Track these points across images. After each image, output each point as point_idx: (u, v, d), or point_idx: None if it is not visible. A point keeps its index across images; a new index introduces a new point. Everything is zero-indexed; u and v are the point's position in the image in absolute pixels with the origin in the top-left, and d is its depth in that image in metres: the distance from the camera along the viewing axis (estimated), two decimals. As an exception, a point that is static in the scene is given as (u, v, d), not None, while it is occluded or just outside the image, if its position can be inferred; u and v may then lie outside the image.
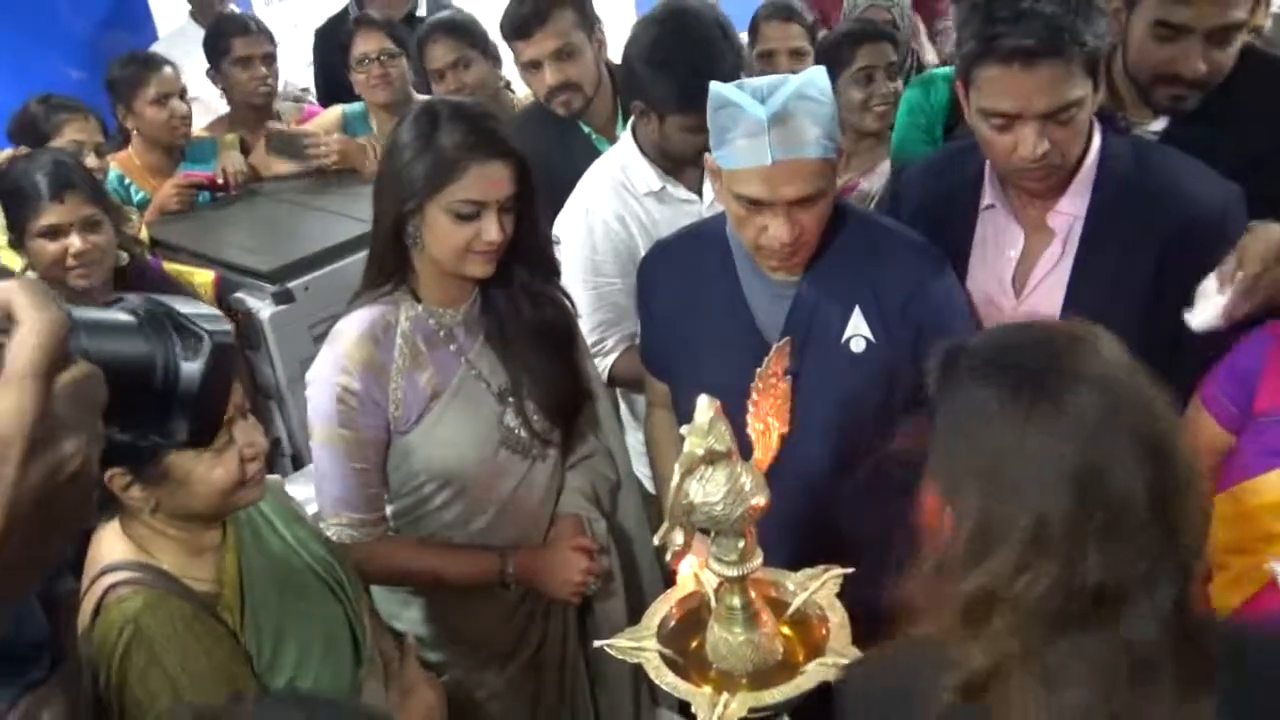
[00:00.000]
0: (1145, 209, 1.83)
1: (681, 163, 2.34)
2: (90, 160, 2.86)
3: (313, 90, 4.21)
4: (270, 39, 3.58)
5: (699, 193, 2.37)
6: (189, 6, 4.24)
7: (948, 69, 2.74)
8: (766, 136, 1.69)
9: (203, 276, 2.75)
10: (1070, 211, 1.87)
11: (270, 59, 3.54)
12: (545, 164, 2.19)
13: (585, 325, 2.23)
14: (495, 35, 3.05)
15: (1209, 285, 1.72)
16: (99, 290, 2.34)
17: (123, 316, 0.68)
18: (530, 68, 2.71)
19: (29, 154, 2.61)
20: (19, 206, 2.38)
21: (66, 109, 2.97)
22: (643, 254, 2.21)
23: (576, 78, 2.67)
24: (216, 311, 0.72)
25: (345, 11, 4.10)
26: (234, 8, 4.14)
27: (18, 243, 2.42)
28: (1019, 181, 1.89)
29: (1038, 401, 1.08)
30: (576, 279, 2.31)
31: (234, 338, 0.71)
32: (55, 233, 2.34)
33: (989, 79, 1.76)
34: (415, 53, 3.27)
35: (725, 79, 1.81)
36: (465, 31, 3.20)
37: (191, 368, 0.68)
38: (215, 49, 3.52)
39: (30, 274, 2.39)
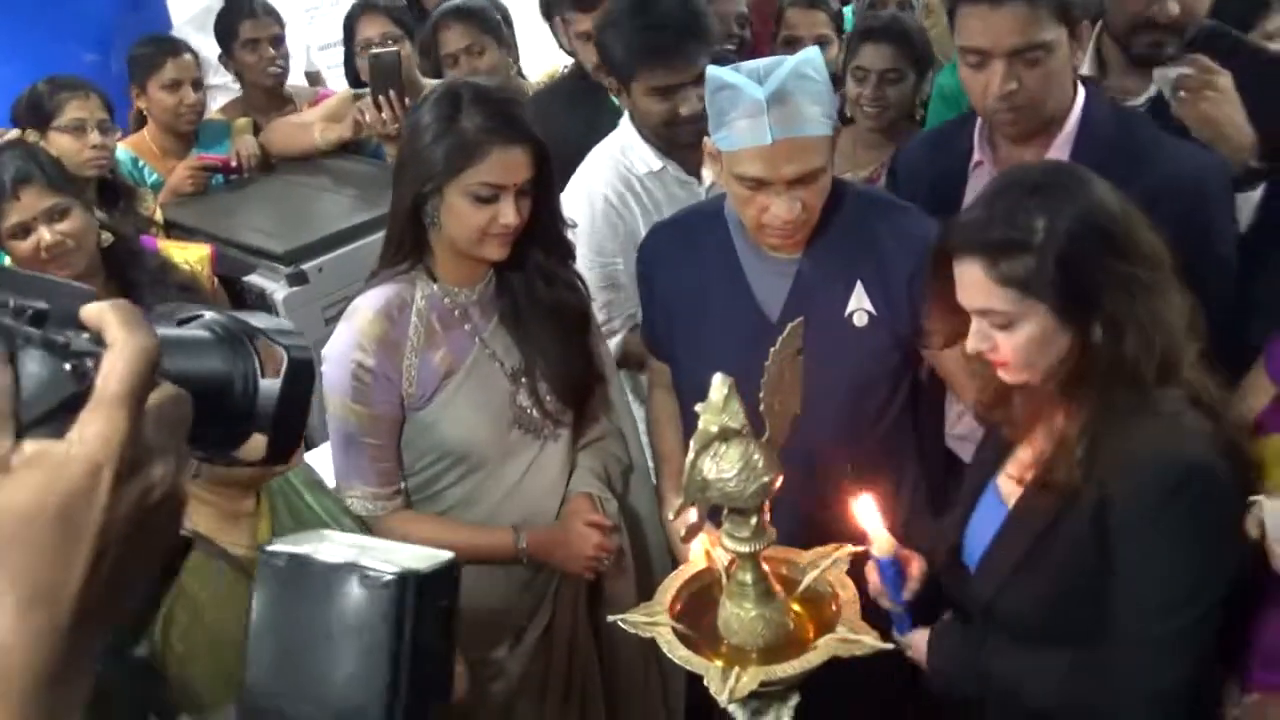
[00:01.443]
0: (1127, 168, 1.87)
1: (670, 142, 2.38)
2: (94, 137, 2.84)
3: (322, 74, 4.21)
4: (277, 20, 3.58)
5: (697, 176, 2.41)
6: None
7: None
8: (765, 116, 1.72)
9: (199, 252, 2.73)
10: None
11: (278, 40, 3.54)
12: (574, 140, 2.23)
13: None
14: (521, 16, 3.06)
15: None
16: (85, 275, 2.27)
17: (201, 333, 0.67)
18: (586, 39, 2.78)
19: None
20: None
21: (68, 87, 2.94)
22: (643, 234, 2.24)
23: None
24: (293, 327, 0.70)
25: None
26: None
27: None
28: (996, 125, 1.99)
29: None
30: (581, 260, 2.33)
31: (311, 352, 0.68)
32: (23, 230, 2.25)
33: (964, 16, 1.94)
34: (429, 37, 3.28)
35: (683, 34, 1.87)
36: (479, 17, 3.23)
37: (270, 384, 0.66)
38: (224, 33, 3.53)
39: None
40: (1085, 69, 2.18)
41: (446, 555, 0.71)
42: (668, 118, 2.33)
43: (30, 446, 0.56)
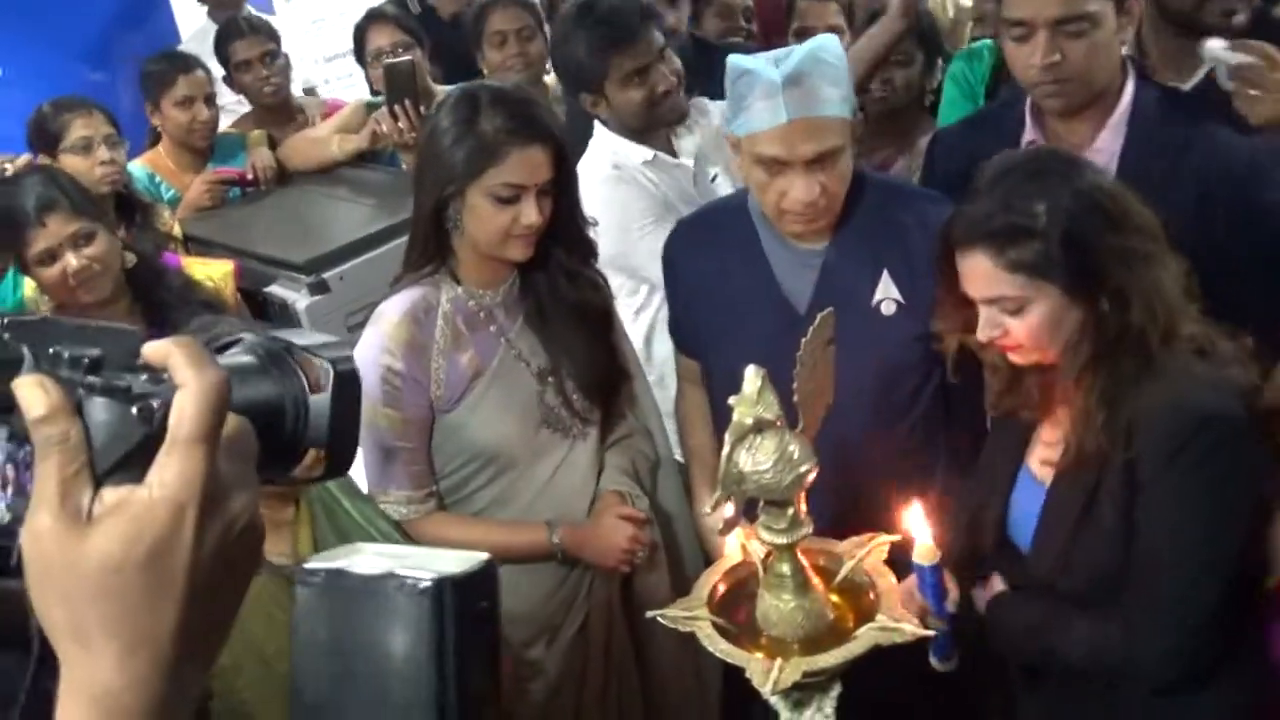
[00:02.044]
0: (1179, 150, 1.89)
1: (650, 130, 2.44)
2: (101, 153, 2.85)
3: (318, 88, 4.22)
4: (270, 35, 3.60)
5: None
6: (206, 6, 4.25)
7: (991, 41, 2.79)
8: (781, 96, 1.74)
9: (222, 268, 2.74)
10: (1107, 149, 1.91)
11: (271, 56, 3.55)
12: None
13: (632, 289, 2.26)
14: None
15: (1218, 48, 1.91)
16: (112, 298, 2.29)
17: (246, 358, 0.66)
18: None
19: (12, 178, 2.52)
20: (11, 236, 2.28)
21: (71, 107, 2.94)
22: (658, 199, 2.32)
23: (675, 23, 2.93)
24: (335, 338, 0.70)
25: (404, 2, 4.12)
26: (250, 8, 4.15)
27: (24, 269, 2.36)
28: (1041, 100, 1.96)
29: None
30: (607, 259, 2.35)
31: (355, 363, 0.68)
32: (50, 256, 2.24)
33: None
34: (471, 25, 3.35)
35: (635, 16, 2.13)
36: (531, 6, 3.35)
37: (319, 400, 0.66)
38: (223, 57, 3.55)
39: (44, 299, 2.36)
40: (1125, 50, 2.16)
41: (482, 557, 0.71)
42: (649, 99, 2.40)
43: (111, 494, 0.56)
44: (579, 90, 2.50)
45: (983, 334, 1.59)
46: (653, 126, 2.46)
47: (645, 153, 2.45)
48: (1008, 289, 1.53)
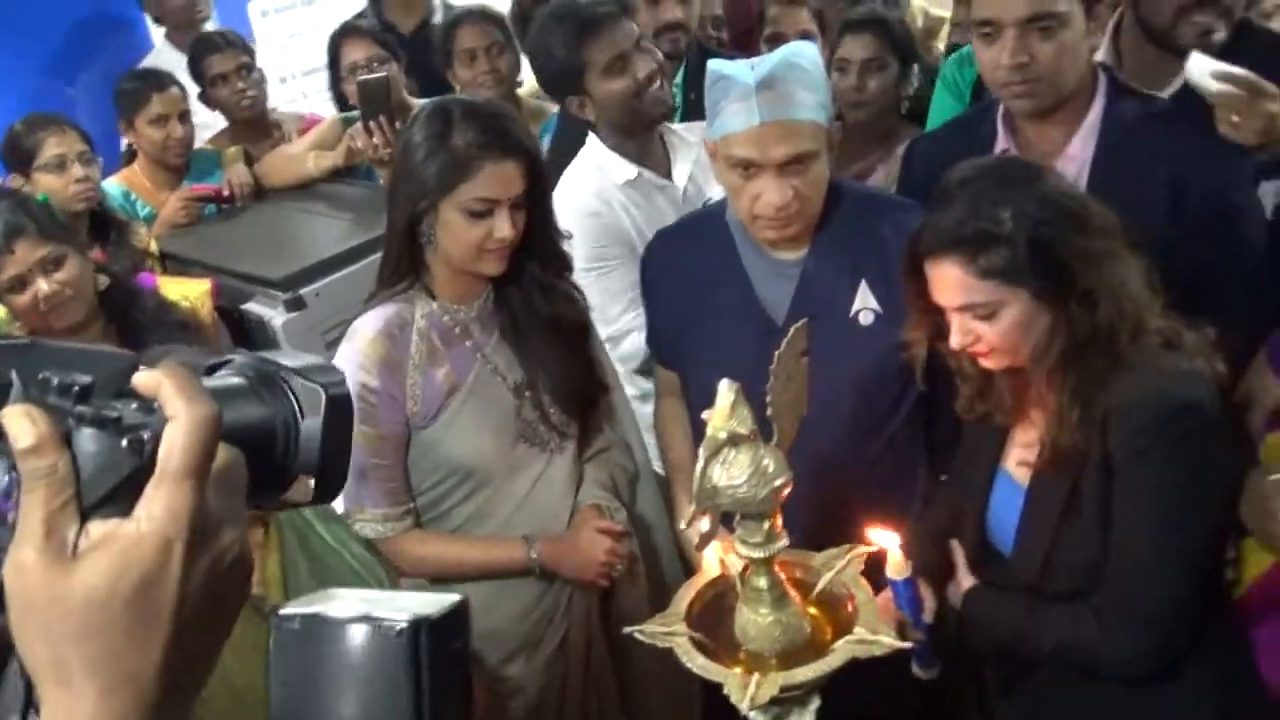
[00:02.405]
0: (1151, 156, 1.90)
1: (641, 130, 2.43)
2: (76, 170, 2.83)
3: (296, 102, 4.20)
4: (244, 49, 3.58)
5: (670, 178, 2.45)
6: (163, 28, 4.21)
7: None
8: (754, 99, 1.76)
9: (198, 287, 2.71)
10: (1079, 156, 1.92)
11: (246, 69, 3.53)
12: None
13: (611, 312, 2.24)
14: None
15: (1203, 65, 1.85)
16: (86, 321, 2.25)
17: (235, 381, 0.65)
18: (651, 3, 2.92)
19: None
20: None
21: (44, 125, 2.93)
22: (629, 234, 2.28)
23: (685, 19, 2.95)
24: (326, 362, 0.69)
25: (363, 15, 4.10)
26: (213, 25, 4.13)
27: None
28: (1010, 101, 1.97)
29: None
30: (581, 274, 2.34)
31: (348, 386, 0.67)
32: (19, 283, 2.20)
33: None
34: (440, 44, 3.35)
35: (610, 6, 2.13)
36: (498, 20, 3.34)
37: (310, 425, 0.65)
38: (197, 73, 3.53)
39: (17, 325, 2.32)
40: (1101, 57, 2.16)
41: (455, 597, 0.71)
42: (632, 89, 2.37)
43: (97, 528, 0.55)
44: (563, 92, 2.49)
45: (955, 341, 1.60)
46: (641, 121, 2.43)
47: (629, 171, 2.42)
48: (979, 296, 1.55)
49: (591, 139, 2.50)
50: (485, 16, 3.34)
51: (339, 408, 0.66)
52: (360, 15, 4.03)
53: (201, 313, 2.61)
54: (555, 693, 2.10)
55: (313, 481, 0.66)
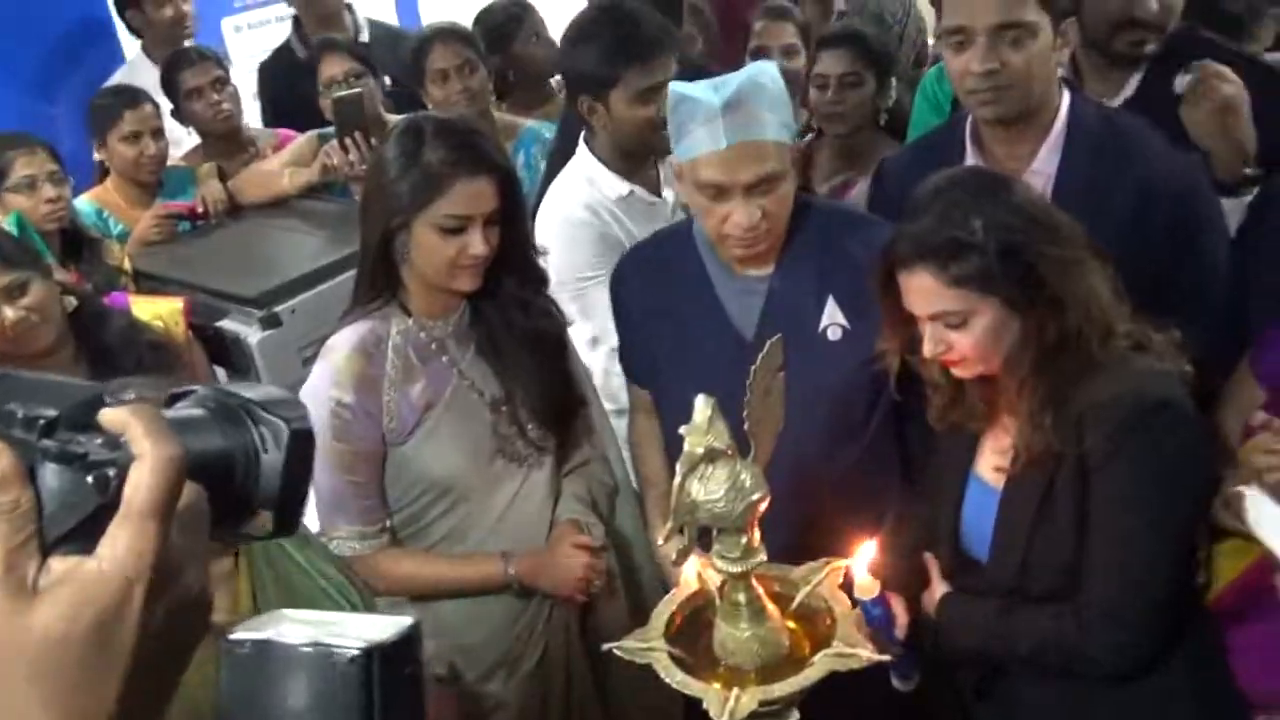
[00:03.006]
0: (1115, 168, 1.92)
1: (640, 156, 2.40)
2: (46, 190, 2.81)
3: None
4: (217, 64, 3.56)
5: (659, 194, 2.44)
6: (140, 41, 4.20)
7: None
8: (720, 121, 1.75)
9: (170, 306, 2.68)
10: (1045, 170, 1.94)
11: (221, 83, 3.51)
12: None
13: (611, 323, 2.21)
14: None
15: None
16: (56, 346, 2.21)
17: (196, 412, 0.64)
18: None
19: None
20: None
21: (13, 145, 2.89)
22: (621, 243, 2.27)
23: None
24: (290, 395, 0.68)
25: (287, 44, 4.12)
26: (191, 42, 4.12)
27: None
28: (977, 109, 1.99)
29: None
30: (576, 283, 2.33)
31: (311, 421, 0.66)
32: None
33: None
34: (413, 66, 3.32)
35: (658, 34, 2.07)
36: (469, 38, 3.31)
37: (271, 459, 0.64)
38: (170, 89, 3.50)
39: None
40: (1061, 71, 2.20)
41: (407, 621, 0.70)
42: (654, 121, 2.28)
43: (58, 565, 0.54)
44: (581, 92, 2.42)
45: (927, 350, 1.61)
46: (650, 150, 2.40)
47: (622, 187, 2.40)
48: (951, 304, 1.56)
49: (583, 150, 2.46)
50: (457, 35, 3.31)
51: (301, 442, 0.65)
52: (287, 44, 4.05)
53: (174, 332, 2.59)
54: (535, 710, 2.09)
55: (270, 515, 0.66)
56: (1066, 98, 1.99)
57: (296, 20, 4.13)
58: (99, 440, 0.56)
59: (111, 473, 0.55)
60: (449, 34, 3.31)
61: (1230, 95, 2.05)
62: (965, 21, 1.90)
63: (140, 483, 0.55)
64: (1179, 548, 1.59)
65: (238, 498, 0.64)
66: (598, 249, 2.36)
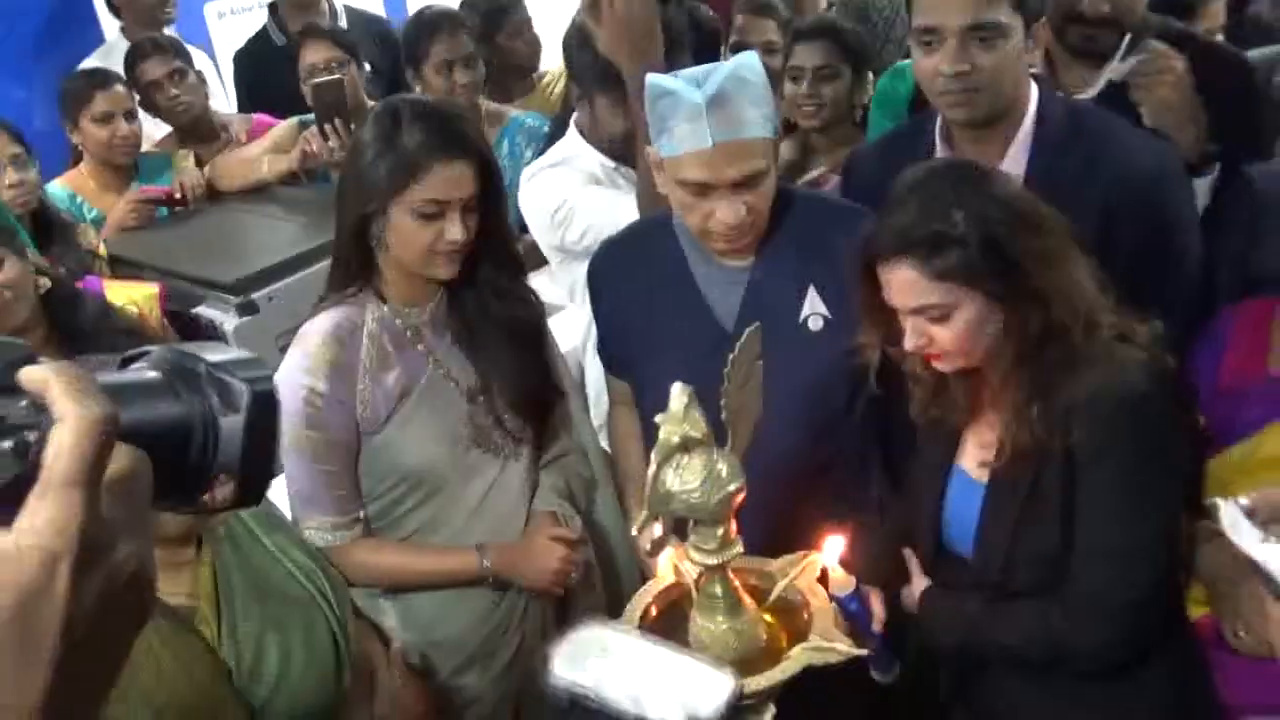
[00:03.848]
0: (1084, 167, 1.91)
1: (621, 157, 2.37)
2: (10, 175, 2.77)
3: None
4: (178, 53, 3.51)
5: None
6: (120, 23, 4.15)
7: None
8: (705, 120, 1.72)
9: (145, 291, 2.65)
10: (1013, 171, 1.93)
11: (180, 74, 3.47)
12: None
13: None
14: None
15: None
16: (29, 325, 2.16)
17: (149, 374, 0.59)
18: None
19: None
20: None
21: None
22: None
23: None
24: (252, 355, 0.64)
25: (264, 31, 4.09)
26: (171, 27, 4.08)
27: None
28: (947, 110, 1.97)
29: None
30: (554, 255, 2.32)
31: (274, 382, 0.62)
32: None
33: None
34: (407, 51, 3.29)
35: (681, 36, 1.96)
36: (470, 29, 3.29)
37: (232, 423, 0.59)
38: (133, 78, 3.45)
39: None
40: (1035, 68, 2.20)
41: (729, 685, 0.67)
42: (628, 129, 2.27)
43: None
44: (586, 79, 2.37)
45: (909, 344, 1.59)
46: (619, 158, 2.37)
47: (608, 163, 2.39)
48: (933, 297, 1.54)
49: (571, 134, 2.44)
50: (463, 26, 3.28)
51: (264, 406, 0.60)
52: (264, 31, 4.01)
53: (150, 317, 2.55)
54: (511, 704, 2.07)
55: (233, 484, 0.61)
56: (1035, 97, 1.98)
57: (273, 6, 4.10)
58: (21, 404, 0.52)
59: (32, 438, 0.50)
60: (456, 24, 3.27)
61: (1177, 73, 2.06)
62: (936, 22, 1.89)
63: (62, 447, 0.50)
64: (1167, 540, 1.58)
65: (194, 465, 0.59)
66: (584, 181, 2.34)
